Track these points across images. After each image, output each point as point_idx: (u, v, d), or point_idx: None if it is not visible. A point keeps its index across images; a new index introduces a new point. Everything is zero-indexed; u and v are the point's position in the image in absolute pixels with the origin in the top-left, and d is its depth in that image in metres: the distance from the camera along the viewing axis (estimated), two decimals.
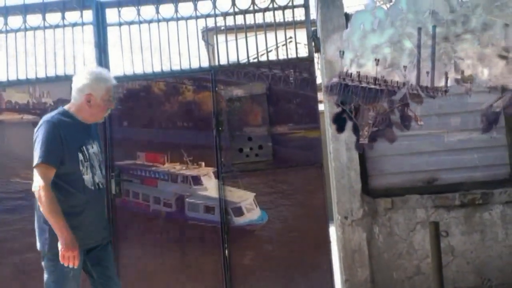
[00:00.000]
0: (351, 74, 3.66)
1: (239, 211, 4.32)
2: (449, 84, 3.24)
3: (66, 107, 2.97)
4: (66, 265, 2.74)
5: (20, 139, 4.21)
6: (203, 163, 4.34)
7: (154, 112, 4.33)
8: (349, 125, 3.59)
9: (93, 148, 2.98)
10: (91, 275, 3.00)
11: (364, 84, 3.50)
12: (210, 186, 4.33)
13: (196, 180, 4.36)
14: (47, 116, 2.90)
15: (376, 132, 3.79)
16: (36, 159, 2.76)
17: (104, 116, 3.05)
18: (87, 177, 2.90)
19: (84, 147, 2.91)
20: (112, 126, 4.27)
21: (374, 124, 3.62)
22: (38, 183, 2.73)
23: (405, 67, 3.24)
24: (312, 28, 4.33)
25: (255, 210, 4.31)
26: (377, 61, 3.26)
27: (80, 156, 2.88)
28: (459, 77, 3.22)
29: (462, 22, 2.98)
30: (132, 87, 4.34)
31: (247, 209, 4.35)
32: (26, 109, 4.29)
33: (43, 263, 2.89)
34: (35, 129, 2.86)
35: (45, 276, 2.86)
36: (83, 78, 2.93)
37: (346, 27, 3.94)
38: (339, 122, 3.65)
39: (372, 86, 3.42)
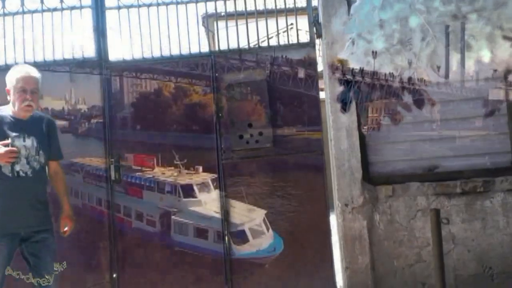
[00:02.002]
0: (352, 69, 3.67)
1: (241, 237, 3.71)
2: (455, 67, 3.19)
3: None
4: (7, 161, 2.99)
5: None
6: (200, 168, 3.91)
7: (144, 102, 4.20)
8: (352, 108, 3.56)
9: (25, 142, 3.11)
10: (28, 262, 3.13)
11: (361, 79, 3.47)
12: (206, 199, 3.77)
13: (187, 191, 3.78)
14: None
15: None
16: None
17: (26, 107, 3.14)
18: (3, 164, 3.04)
19: (7, 139, 3.05)
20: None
21: (370, 122, 3.62)
22: None
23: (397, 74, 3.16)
24: (313, 14, 4.28)
25: (266, 235, 3.69)
26: (374, 53, 3.20)
27: None
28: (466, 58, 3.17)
29: (470, 1, 2.91)
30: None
31: (253, 232, 3.72)
32: (60, 115, 4.21)
33: None
34: None
35: None
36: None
37: (348, 12, 3.90)
38: (343, 101, 3.60)
39: (369, 82, 3.38)
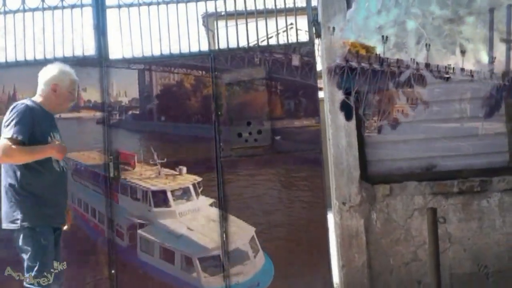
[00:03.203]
0: (357, 55, 3.65)
1: (214, 264, 3.09)
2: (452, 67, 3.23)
3: (33, 98, 3.16)
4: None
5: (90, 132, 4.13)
6: (184, 169, 3.54)
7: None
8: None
9: (56, 137, 3.16)
10: None
11: (369, 66, 3.45)
12: (183, 209, 3.30)
13: (160, 198, 3.31)
14: (18, 102, 3.09)
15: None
16: (6, 133, 2.91)
17: (68, 108, 3.27)
18: (54, 159, 3.07)
19: (52, 133, 3.11)
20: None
21: (382, 114, 3.62)
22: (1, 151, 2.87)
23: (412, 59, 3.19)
24: (313, 14, 4.31)
25: (250, 262, 3.05)
26: (385, 38, 3.22)
27: (49, 139, 3.08)
28: (462, 60, 3.21)
29: (467, 4, 2.95)
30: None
31: (233, 257, 3.10)
32: (102, 106, 4.19)
33: (19, 243, 2.96)
34: (9, 111, 3.01)
35: (24, 255, 2.95)
36: (50, 70, 3.18)
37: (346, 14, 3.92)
38: (346, 109, 3.63)
39: (378, 68, 3.39)
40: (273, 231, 4.09)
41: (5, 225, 3.03)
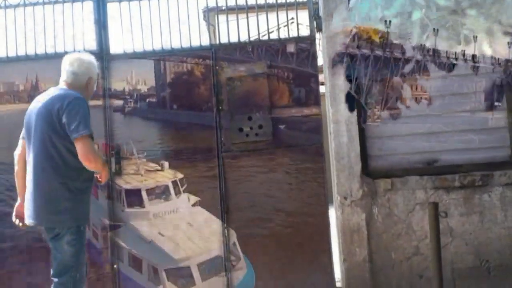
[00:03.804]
0: (358, 43, 3.63)
1: (184, 277, 2.79)
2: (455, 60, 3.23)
3: (65, 87, 2.98)
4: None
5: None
6: (166, 164, 3.31)
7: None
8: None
9: None
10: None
11: (370, 52, 3.44)
12: (158, 211, 3.01)
13: (134, 198, 3.04)
14: (74, 94, 2.91)
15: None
16: (83, 130, 2.75)
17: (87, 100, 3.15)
18: None
19: None
20: None
21: (385, 103, 3.61)
22: (89, 153, 2.73)
23: (422, 45, 3.18)
24: (314, 8, 4.30)
25: (230, 273, 2.78)
26: (388, 23, 3.18)
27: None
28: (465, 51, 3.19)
29: None
30: None
31: (208, 269, 2.84)
32: (120, 94, 4.11)
33: (62, 242, 2.83)
34: (66, 102, 2.81)
35: (61, 253, 2.84)
36: (86, 62, 3.05)
37: (348, 7, 3.91)
38: (350, 101, 3.62)
39: (380, 54, 3.37)
40: (273, 226, 4.10)
41: (48, 224, 2.87)
